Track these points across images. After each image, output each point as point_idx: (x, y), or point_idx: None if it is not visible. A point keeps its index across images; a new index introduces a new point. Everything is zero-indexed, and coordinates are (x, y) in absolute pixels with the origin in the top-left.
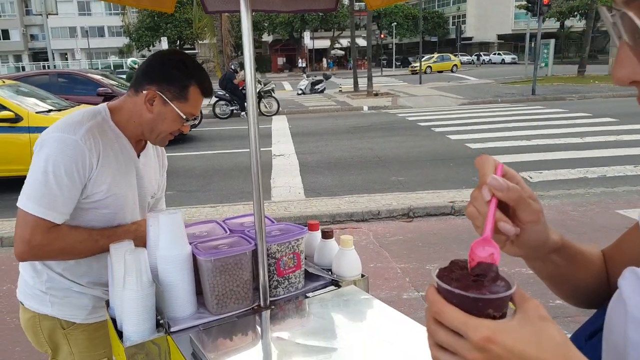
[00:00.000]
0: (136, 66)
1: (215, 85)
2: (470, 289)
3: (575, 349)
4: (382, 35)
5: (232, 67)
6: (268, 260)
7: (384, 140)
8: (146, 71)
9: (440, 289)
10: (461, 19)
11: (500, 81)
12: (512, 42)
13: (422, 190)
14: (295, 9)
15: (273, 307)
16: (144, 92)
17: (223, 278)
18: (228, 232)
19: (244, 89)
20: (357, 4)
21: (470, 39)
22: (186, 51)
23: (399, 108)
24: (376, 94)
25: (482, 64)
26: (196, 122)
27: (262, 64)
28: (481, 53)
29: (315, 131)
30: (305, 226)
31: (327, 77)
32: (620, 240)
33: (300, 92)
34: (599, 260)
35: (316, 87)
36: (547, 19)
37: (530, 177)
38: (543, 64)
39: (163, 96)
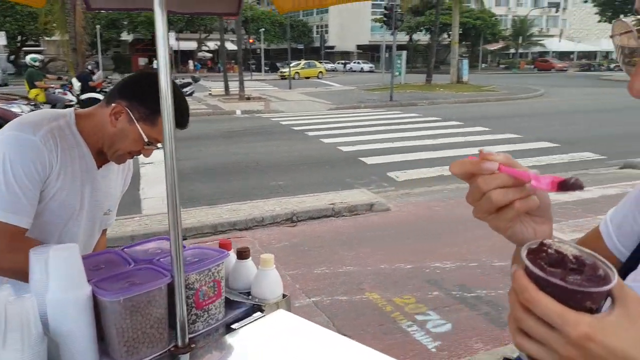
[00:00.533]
0: (36, 64)
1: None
2: (568, 278)
3: None
4: (250, 40)
5: (89, 67)
6: (186, 292)
7: (260, 145)
8: (123, 85)
9: (532, 273)
10: (324, 29)
11: (362, 88)
12: (369, 52)
13: (302, 194)
14: (196, 12)
15: (193, 345)
16: (113, 104)
17: (134, 320)
18: (132, 263)
19: (103, 91)
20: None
21: (332, 47)
22: (30, 47)
23: (272, 112)
24: (248, 98)
25: (347, 71)
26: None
27: (122, 64)
28: (343, 61)
29: (188, 136)
30: (218, 248)
31: (195, 80)
32: (580, 243)
33: None
34: None
35: (185, 89)
36: (398, 32)
37: (397, 177)
38: (397, 73)
39: (130, 114)
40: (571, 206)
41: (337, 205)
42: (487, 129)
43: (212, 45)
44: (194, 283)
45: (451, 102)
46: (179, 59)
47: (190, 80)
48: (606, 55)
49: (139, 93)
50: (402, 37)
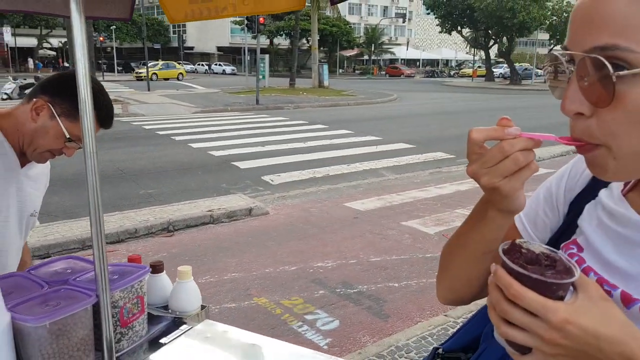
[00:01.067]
0: None
1: None
2: (546, 273)
3: (637, 328)
4: (101, 39)
5: None
6: (111, 310)
7: (124, 152)
8: (45, 82)
9: (512, 270)
10: (182, 28)
11: (227, 91)
12: (230, 54)
13: (176, 201)
14: (90, 15)
15: None
16: (34, 99)
17: (60, 344)
18: (44, 285)
19: None
20: None
21: (191, 48)
22: None
23: (132, 116)
24: None
25: (211, 73)
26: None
27: None
28: (203, 63)
29: None
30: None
31: (38, 80)
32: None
33: (5, 96)
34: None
35: (26, 91)
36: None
37: (272, 180)
38: (261, 77)
39: (52, 108)
40: (431, 202)
41: (215, 211)
42: (350, 131)
43: (55, 42)
44: (118, 301)
45: (315, 106)
46: (17, 56)
47: (33, 80)
48: (446, 63)
49: (62, 89)
50: (263, 41)
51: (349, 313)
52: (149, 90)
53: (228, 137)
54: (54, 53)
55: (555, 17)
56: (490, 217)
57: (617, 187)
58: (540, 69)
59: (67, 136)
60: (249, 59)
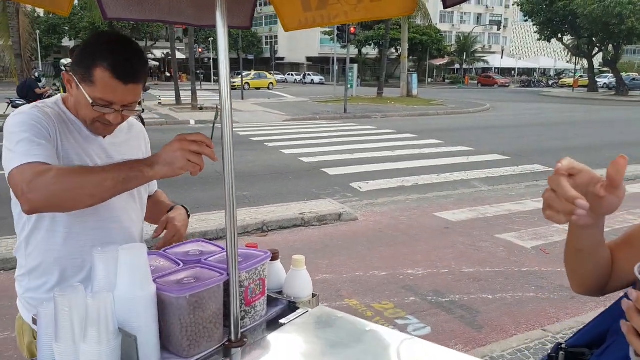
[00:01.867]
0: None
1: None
2: None
3: None
4: (200, 50)
5: (36, 74)
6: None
7: (221, 156)
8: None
9: None
10: (274, 40)
11: (315, 100)
12: (319, 64)
13: (270, 204)
14: (206, 24)
15: (245, 340)
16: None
17: (197, 315)
18: (181, 263)
19: (49, 97)
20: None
21: (282, 58)
22: None
23: None
24: (201, 108)
25: (297, 83)
26: (137, 111)
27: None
28: (293, 73)
29: None
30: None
31: (145, 89)
32: (629, 236)
33: None
34: (609, 254)
35: None
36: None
37: (360, 187)
38: (349, 86)
39: (74, 78)
40: (528, 216)
41: (307, 214)
42: (440, 141)
43: (158, 53)
44: (244, 281)
45: (403, 115)
46: None
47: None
48: (544, 72)
49: (78, 57)
50: (352, 51)
51: (440, 321)
52: (242, 99)
53: (317, 145)
54: (157, 63)
55: None
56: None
57: None
58: None
59: (90, 101)
60: (337, 68)
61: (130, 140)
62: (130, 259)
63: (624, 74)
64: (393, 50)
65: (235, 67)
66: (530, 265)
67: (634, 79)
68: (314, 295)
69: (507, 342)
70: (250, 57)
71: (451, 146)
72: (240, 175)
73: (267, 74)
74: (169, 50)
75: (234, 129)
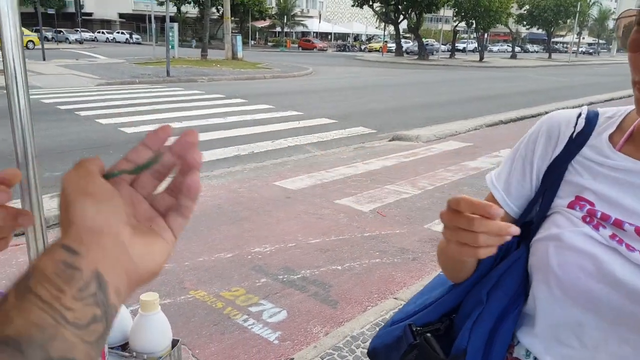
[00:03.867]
0: None
1: None
2: None
3: None
4: None
5: None
6: None
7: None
8: None
9: None
10: None
11: (133, 61)
12: (134, 22)
13: None
14: None
15: None
16: None
17: None
18: None
19: None
20: None
21: (90, 14)
22: None
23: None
24: None
25: (119, 42)
26: None
27: None
28: (104, 30)
29: None
30: None
31: None
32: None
33: None
34: None
35: None
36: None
37: None
38: (171, 47)
39: None
40: (360, 179)
41: None
42: (271, 106)
43: None
44: None
45: (230, 79)
46: None
47: None
48: (357, 37)
49: None
50: (170, 9)
51: (295, 302)
52: (44, 59)
53: (139, 112)
54: None
55: None
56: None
57: (605, 145)
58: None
59: None
60: (155, 27)
61: None
62: None
63: (424, 40)
64: (214, 10)
65: (33, 22)
66: (370, 229)
67: (427, 44)
68: (174, 344)
69: (365, 317)
70: (51, 11)
71: (282, 111)
72: (48, 151)
73: (25, 30)
74: None
75: (33, 96)
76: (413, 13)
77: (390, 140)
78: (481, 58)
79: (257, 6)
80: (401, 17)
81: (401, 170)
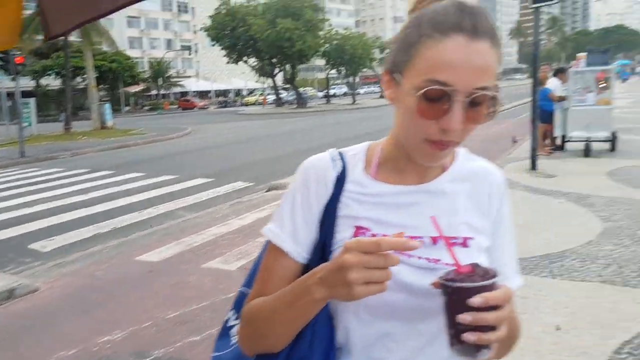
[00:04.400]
0: None
1: None
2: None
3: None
4: None
5: None
6: None
7: None
8: None
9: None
10: None
11: None
12: None
13: None
14: None
15: None
16: None
17: None
18: None
19: None
20: None
21: None
22: None
23: None
24: None
25: None
26: None
27: None
28: None
29: None
30: None
31: None
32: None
33: None
34: None
35: None
36: (21, 77)
37: (44, 247)
38: (26, 124)
39: None
40: (232, 236)
41: None
42: (141, 174)
43: None
44: None
45: (98, 150)
46: None
47: None
48: (238, 92)
49: None
50: (28, 82)
51: None
52: None
53: None
54: None
55: (328, 45)
56: (319, 299)
57: (363, 177)
58: (321, 92)
59: None
60: (9, 104)
61: None
62: None
63: (301, 89)
64: (80, 79)
65: None
66: (235, 288)
67: (304, 93)
68: None
69: None
70: None
71: (154, 177)
72: None
73: None
74: None
75: None
76: (287, 65)
77: (267, 191)
78: (353, 101)
79: (128, 71)
80: (277, 69)
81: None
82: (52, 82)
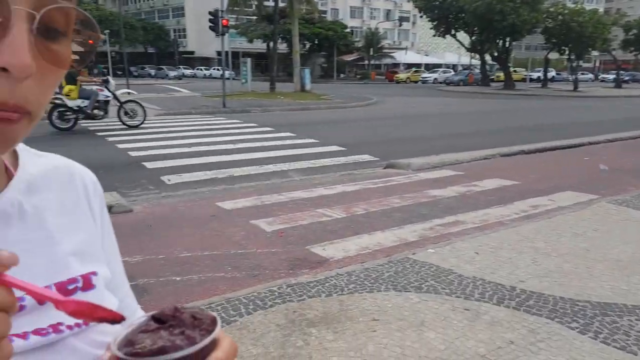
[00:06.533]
0: None
1: None
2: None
3: None
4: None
5: None
6: None
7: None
8: None
9: None
10: (181, 33)
11: (206, 94)
12: (231, 59)
13: None
14: None
15: None
16: None
17: None
18: None
19: None
20: None
21: (192, 52)
22: None
23: None
24: None
25: (214, 77)
26: None
27: None
28: (202, 67)
29: None
30: None
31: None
32: None
33: None
34: None
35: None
36: (255, 39)
37: (169, 180)
38: (244, 80)
39: None
40: (301, 203)
41: None
42: (293, 134)
43: None
44: None
45: (283, 110)
46: None
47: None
48: (453, 67)
49: None
50: (260, 45)
51: None
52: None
53: (162, 139)
54: None
55: (550, 20)
56: None
57: None
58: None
59: None
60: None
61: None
62: None
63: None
64: (300, 45)
65: (139, 61)
66: (252, 247)
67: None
68: None
69: None
70: (151, 50)
71: (299, 139)
72: None
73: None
74: None
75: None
76: (500, 42)
77: (384, 168)
78: (575, 87)
79: (342, 40)
80: (487, 45)
81: (352, 196)
82: (280, 46)
